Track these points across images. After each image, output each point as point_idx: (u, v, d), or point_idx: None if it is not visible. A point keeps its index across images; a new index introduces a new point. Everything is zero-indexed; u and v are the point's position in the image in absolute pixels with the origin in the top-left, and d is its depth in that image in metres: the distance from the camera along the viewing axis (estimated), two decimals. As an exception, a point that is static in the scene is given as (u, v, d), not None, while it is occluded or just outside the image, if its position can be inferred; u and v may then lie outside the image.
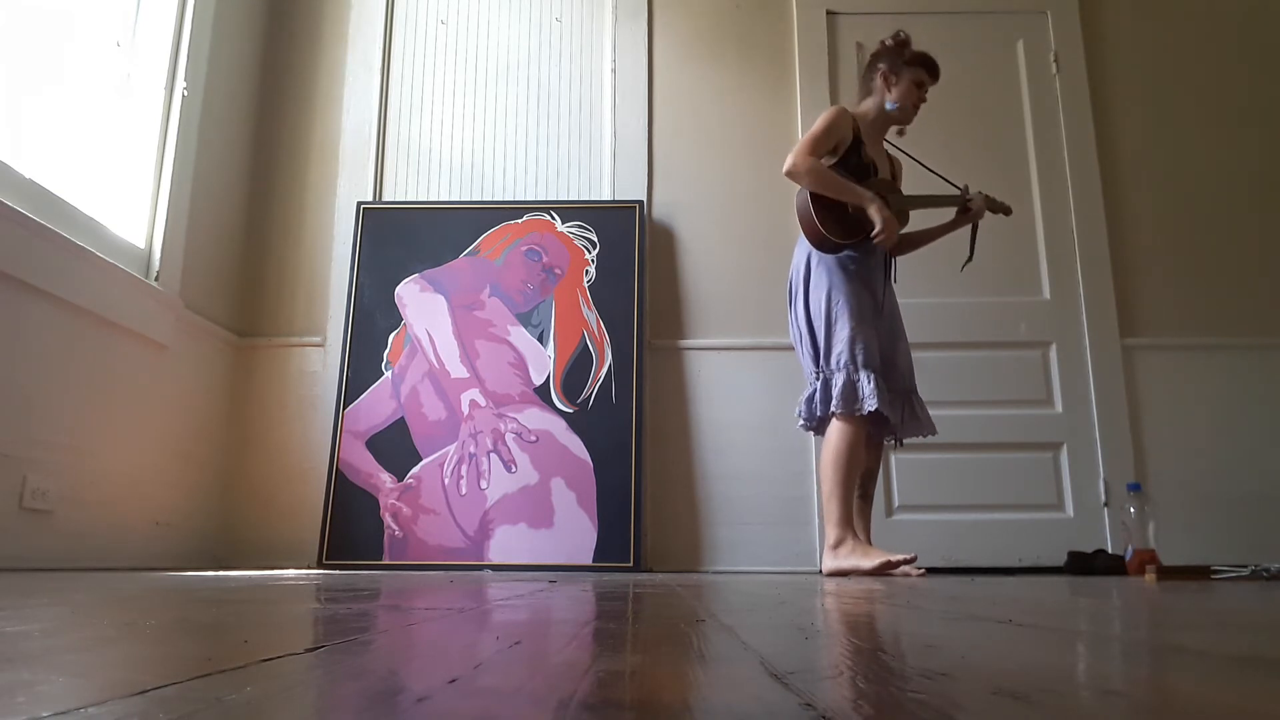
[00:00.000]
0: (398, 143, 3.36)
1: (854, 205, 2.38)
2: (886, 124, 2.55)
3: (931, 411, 2.52)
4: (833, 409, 2.34)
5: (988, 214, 2.61)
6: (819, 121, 2.42)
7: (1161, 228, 3.27)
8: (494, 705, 0.34)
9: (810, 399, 2.41)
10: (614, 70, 3.40)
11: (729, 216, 3.27)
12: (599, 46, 3.44)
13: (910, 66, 2.49)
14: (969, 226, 2.61)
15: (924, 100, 2.53)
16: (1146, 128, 3.35)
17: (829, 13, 3.40)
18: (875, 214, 2.34)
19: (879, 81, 2.52)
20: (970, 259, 2.65)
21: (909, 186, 2.66)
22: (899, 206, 2.46)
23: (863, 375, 2.33)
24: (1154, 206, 3.28)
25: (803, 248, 2.49)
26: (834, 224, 2.38)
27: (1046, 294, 3.21)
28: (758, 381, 3.12)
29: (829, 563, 2.30)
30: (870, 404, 2.29)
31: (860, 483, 2.43)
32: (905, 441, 2.52)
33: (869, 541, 2.42)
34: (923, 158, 2.69)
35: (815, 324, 2.43)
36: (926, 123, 2.74)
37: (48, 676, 0.40)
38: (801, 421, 2.46)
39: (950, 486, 3.04)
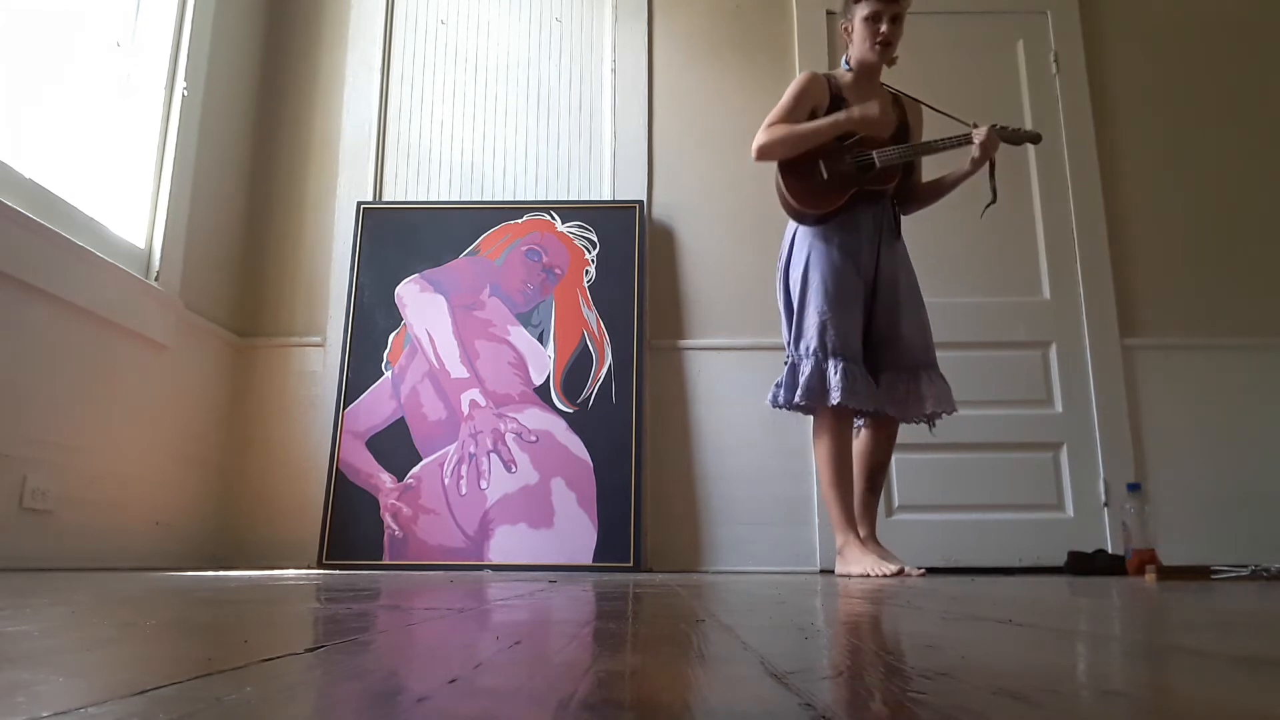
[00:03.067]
0: (398, 143, 3.36)
1: (828, 162, 2.28)
2: (870, 75, 2.41)
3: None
4: (798, 399, 2.22)
5: (1028, 146, 2.40)
6: (786, 91, 2.35)
7: (1161, 228, 3.27)
8: (494, 705, 0.34)
9: (779, 382, 2.31)
10: (614, 70, 3.39)
11: (729, 217, 3.27)
12: (599, 46, 3.44)
13: (854, 4, 2.35)
14: (987, 169, 2.33)
15: (889, 28, 2.31)
16: (1146, 127, 3.35)
17: (829, 13, 3.40)
18: (849, 116, 2.23)
19: (844, 38, 2.44)
20: (993, 201, 2.39)
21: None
22: (888, 161, 2.31)
23: (831, 363, 2.20)
24: (1154, 206, 3.28)
25: (790, 226, 2.41)
26: (806, 194, 2.28)
27: (1046, 294, 3.21)
28: (758, 381, 3.11)
29: (837, 568, 2.30)
30: (835, 396, 2.15)
31: (869, 474, 2.34)
32: (940, 420, 2.33)
33: (874, 536, 2.35)
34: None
35: (792, 302, 2.33)
36: (925, 122, 2.74)
37: (48, 676, 0.40)
38: (768, 399, 2.36)
39: (950, 486, 3.04)
